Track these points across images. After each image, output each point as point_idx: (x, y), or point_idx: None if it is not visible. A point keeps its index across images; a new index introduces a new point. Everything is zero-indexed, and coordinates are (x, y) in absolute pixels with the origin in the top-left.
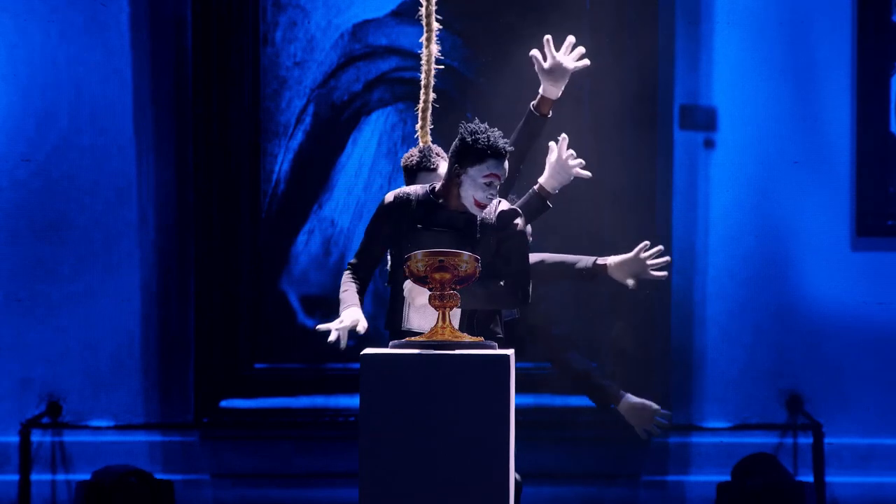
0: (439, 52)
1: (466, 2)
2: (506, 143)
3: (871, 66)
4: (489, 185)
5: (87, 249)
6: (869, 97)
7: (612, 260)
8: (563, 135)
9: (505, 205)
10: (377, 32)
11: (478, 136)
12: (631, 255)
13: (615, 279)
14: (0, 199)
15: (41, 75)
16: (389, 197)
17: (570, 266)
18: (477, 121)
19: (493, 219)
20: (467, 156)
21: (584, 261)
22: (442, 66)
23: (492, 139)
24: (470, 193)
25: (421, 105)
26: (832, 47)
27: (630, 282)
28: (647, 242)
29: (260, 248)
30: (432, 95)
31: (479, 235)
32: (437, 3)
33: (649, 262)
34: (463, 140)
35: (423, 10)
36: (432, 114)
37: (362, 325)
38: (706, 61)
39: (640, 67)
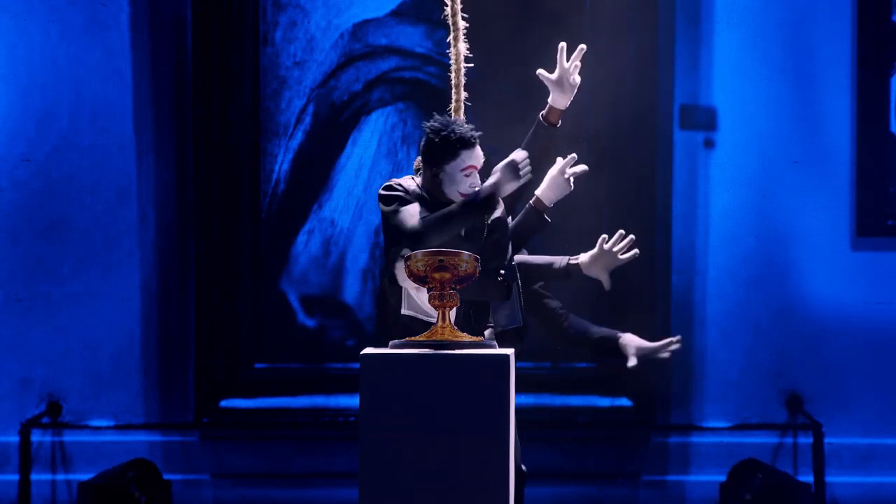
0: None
1: (466, 1)
2: (472, 130)
3: (871, 66)
4: (469, 176)
5: (87, 249)
6: (869, 97)
7: (583, 258)
8: (575, 156)
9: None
10: (377, 32)
11: (443, 132)
12: (596, 250)
13: (592, 276)
14: (0, 199)
15: (41, 75)
16: (392, 182)
17: (547, 267)
18: (437, 116)
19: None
20: (439, 154)
21: (560, 261)
22: (471, 65)
23: (458, 131)
24: (453, 189)
25: (453, 105)
26: (832, 47)
27: (605, 278)
28: (605, 235)
29: (260, 248)
30: (464, 94)
31: (473, 230)
32: (438, 2)
33: (615, 249)
34: (430, 140)
35: (448, 10)
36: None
37: None
38: (706, 61)
39: (640, 67)
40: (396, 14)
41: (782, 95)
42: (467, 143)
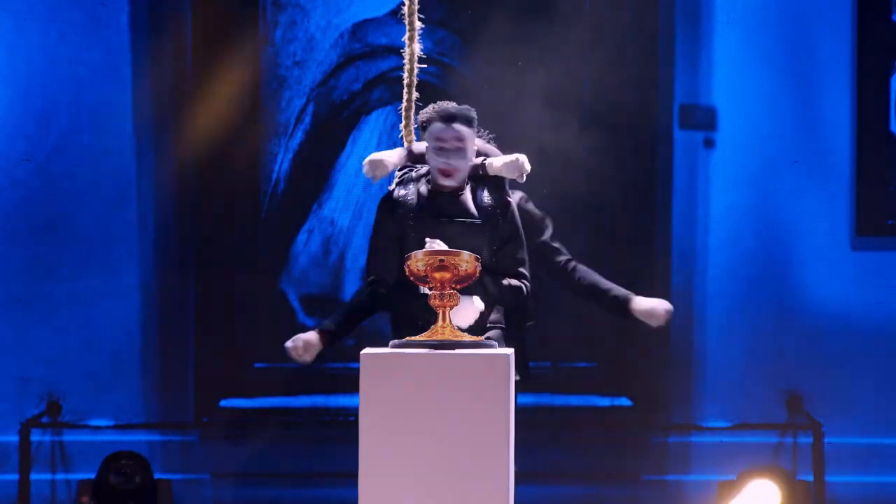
0: (421, 50)
1: (466, 1)
2: (455, 108)
3: (871, 66)
4: (440, 150)
5: (87, 249)
6: (869, 97)
7: (639, 307)
8: None
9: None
10: (377, 32)
11: (433, 107)
12: (652, 306)
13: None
14: (0, 199)
15: (41, 75)
16: (390, 194)
17: (603, 292)
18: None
19: (494, 203)
20: (424, 130)
21: (618, 291)
22: (425, 65)
23: (441, 105)
24: (432, 165)
25: (404, 105)
26: (832, 47)
27: (652, 323)
28: (670, 308)
29: (260, 247)
30: (415, 94)
31: (481, 220)
32: (437, 2)
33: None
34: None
35: (405, 10)
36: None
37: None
38: (706, 61)
39: (640, 67)
40: (396, 14)
41: (782, 95)
42: (440, 118)
